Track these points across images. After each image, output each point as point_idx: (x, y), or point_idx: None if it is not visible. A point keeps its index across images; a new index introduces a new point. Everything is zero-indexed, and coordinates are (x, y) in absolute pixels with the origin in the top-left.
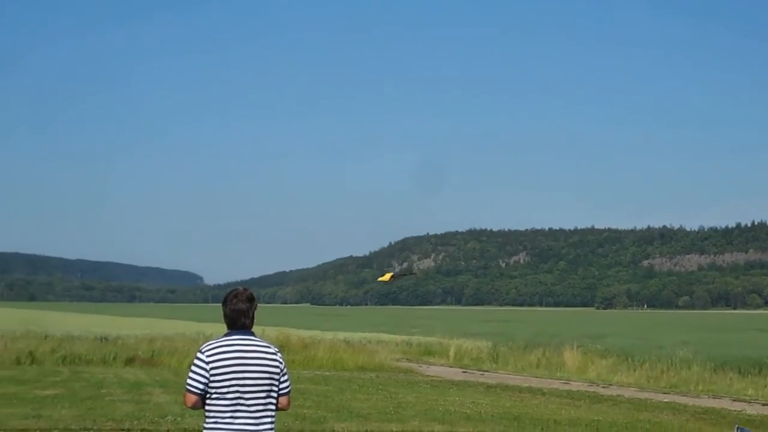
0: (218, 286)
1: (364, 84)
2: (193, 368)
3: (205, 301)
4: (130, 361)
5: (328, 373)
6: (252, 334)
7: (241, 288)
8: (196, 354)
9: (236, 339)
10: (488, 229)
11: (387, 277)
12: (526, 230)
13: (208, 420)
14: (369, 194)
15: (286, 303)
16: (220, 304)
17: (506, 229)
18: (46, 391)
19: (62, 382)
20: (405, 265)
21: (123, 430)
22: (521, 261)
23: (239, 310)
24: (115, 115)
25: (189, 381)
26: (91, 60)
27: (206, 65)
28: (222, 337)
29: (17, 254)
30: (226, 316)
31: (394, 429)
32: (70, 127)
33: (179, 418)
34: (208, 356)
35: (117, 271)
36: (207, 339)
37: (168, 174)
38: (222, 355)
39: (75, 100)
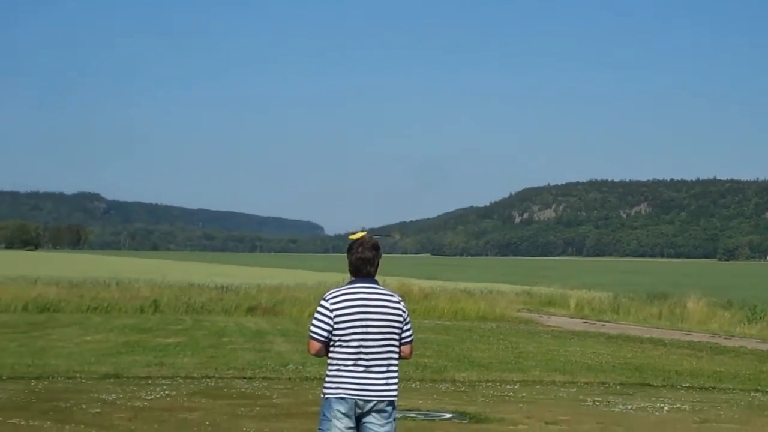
0: (339, 237)
1: (477, 41)
2: (317, 315)
3: (326, 251)
4: (251, 310)
5: (448, 323)
6: (376, 282)
7: (366, 236)
8: (319, 301)
9: (360, 287)
10: (609, 179)
11: (360, 236)
12: (648, 181)
13: (330, 368)
14: (490, 144)
15: (406, 253)
16: (341, 254)
17: (627, 180)
18: (169, 339)
19: (184, 330)
20: (525, 215)
21: (245, 378)
22: (642, 212)
23: (364, 258)
24: (243, 68)
25: (312, 328)
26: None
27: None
28: (346, 285)
29: (139, 203)
30: (350, 264)
31: (515, 378)
32: (193, 81)
33: (300, 367)
34: (332, 303)
35: (238, 220)
36: (328, 288)
37: (289, 126)
38: (346, 303)
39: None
